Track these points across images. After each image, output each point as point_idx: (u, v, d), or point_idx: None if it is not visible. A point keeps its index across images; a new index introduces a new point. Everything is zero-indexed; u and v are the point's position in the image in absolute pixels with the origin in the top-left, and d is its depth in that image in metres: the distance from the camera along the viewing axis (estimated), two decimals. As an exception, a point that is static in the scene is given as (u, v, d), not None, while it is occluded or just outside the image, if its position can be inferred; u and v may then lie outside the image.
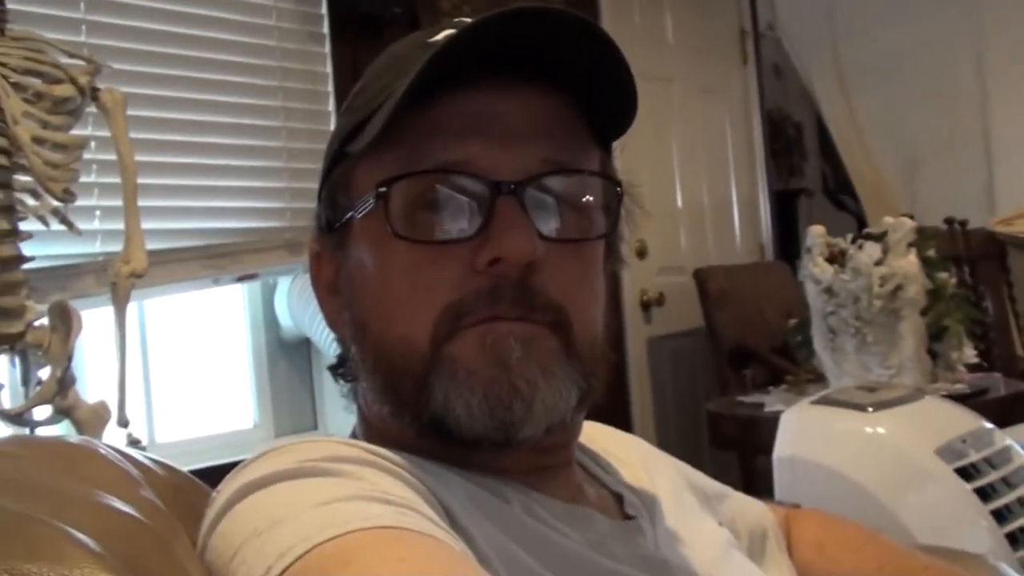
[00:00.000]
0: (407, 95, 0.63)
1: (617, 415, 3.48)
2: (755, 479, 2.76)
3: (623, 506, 0.76)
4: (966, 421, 1.40)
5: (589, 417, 0.82)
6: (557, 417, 0.67)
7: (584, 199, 0.70)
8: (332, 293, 0.74)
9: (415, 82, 0.63)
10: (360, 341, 0.70)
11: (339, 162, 0.72)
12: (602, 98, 0.69)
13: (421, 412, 0.66)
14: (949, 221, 3.56)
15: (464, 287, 0.65)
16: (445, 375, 0.65)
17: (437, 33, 0.71)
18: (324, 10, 2.71)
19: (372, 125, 0.67)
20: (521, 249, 0.64)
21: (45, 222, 1.82)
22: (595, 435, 0.85)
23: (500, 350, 0.64)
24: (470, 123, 0.66)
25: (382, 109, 0.67)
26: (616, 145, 0.76)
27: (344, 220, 0.71)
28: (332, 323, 0.75)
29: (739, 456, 2.99)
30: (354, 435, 0.76)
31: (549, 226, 0.67)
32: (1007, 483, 1.31)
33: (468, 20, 0.71)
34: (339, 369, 0.76)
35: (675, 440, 3.70)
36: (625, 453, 0.85)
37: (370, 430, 0.74)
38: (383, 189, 0.66)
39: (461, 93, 0.66)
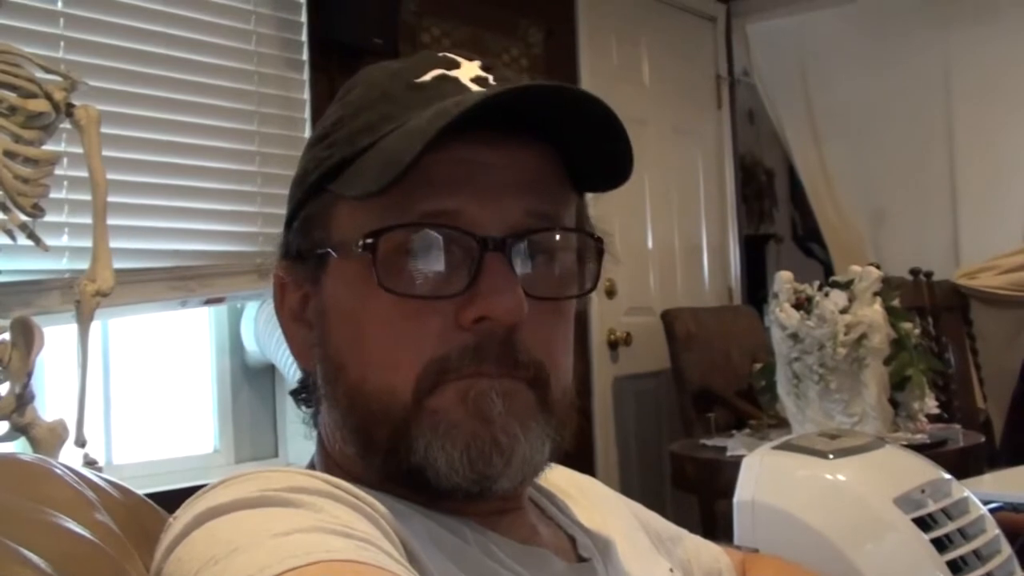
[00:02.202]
0: (417, 159, 0.62)
1: (580, 453, 3.46)
2: (716, 522, 2.76)
3: (576, 548, 0.76)
4: (925, 471, 1.41)
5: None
6: (532, 470, 0.68)
7: (565, 254, 0.71)
8: (297, 321, 0.74)
9: (429, 143, 0.62)
10: (333, 382, 0.70)
11: (316, 194, 0.71)
12: (588, 154, 0.70)
13: (399, 460, 0.66)
14: (914, 272, 3.60)
15: (448, 342, 0.65)
16: (427, 427, 0.65)
17: (422, 72, 0.71)
18: (304, 37, 2.72)
19: (363, 170, 0.66)
20: (510, 310, 0.65)
21: (12, 236, 1.80)
22: (550, 475, 0.85)
23: (482, 405, 0.65)
24: (457, 173, 0.66)
25: (373, 151, 0.67)
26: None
27: (320, 253, 0.71)
28: (298, 352, 0.74)
29: (700, 499, 2.99)
30: (312, 464, 0.76)
31: (532, 282, 0.68)
32: (963, 535, 1.32)
33: (452, 58, 0.72)
34: (301, 394, 0.76)
35: (637, 480, 3.70)
36: (579, 493, 0.85)
37: (330, 461, 0.73)
38: (370, 240, 0.65)
39: (448, 143, 0.65)
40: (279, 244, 0.75)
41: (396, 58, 0.79)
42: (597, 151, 0.69)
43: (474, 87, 0.69)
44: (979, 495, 1.42)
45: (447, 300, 0.66)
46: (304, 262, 0.72)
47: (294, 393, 0.76)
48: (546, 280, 0.69)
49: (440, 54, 0.73)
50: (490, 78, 0.71)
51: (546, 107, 0.66)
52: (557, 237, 0.70)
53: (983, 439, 2.82)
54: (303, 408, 0.76)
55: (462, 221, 0.66)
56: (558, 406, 0.69)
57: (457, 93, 0.68)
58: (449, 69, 0.71)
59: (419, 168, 0.64)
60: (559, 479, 0.86)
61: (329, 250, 0.70)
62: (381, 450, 0.67)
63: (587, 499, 0.84)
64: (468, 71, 0.71)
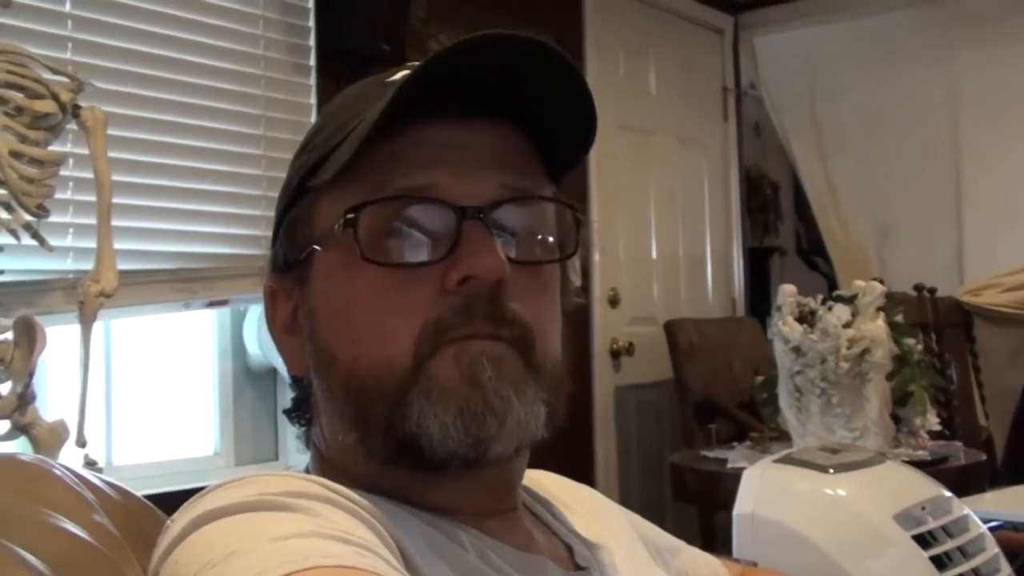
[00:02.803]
0: (378, 123, 0.64)
1: (581, 462, 3.47)
2: (715, 534, 2.76)
3: (573, 556, 0.76)
4: (926, 488, 1.40)
5: (552, 463, 0.82)
6: (528, 435, 0.68)
7: (543, 224, 0.72)
8: (289, 333, 0.74)
9: (385, 111, 0.64)
10: (325, 372, 0.70)
11: (300, 197, 0.73)
12: (559, 130, 0.71)
13: (394, 431, 0.66)
14: (918, 288, 3.60)
15: (439, 305, 0.67)
16: (421, 392, 0.66)
17: (394, 74, 0.73)
18: (312, 42, 2.73)
19: (337, 156, 0.68)
20: (492, 267, 0.66)
21: (17, 236, 1.80)
22: (546, 483, 0.85)
23: (474, 369, 0.66)
24: (432, 152, 0.68)
25: (346, 142, 0.68)
26: (592, 194, 0.78)
27: (306, 254, 0.72)
28: (291, 363, 0.75)
29: (700, 510, 2.99)
30: (307, 470, 0.76)
31: (511, 248, 0.70)
32: (963, 553, 1.31)
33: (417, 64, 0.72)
34: (294, 412, 0.76)
35: (637, 491, 3.69)
36: (576, 502, 0.85)
37: (326, 467, 0.73)
38: (352, 215, 0.67)
39: (421, 125, 0.68)
40: (268, 260, 0.76)
41: (403, 64, 0.80)
42: (561, 113, 0.70)
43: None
44: (979, 513, 1.41)
45: (431, 267, 0.67)
46: (291, 270, 0.73)
47: (288, 411, 0.77)
48: (526, 247, 0.71)
49: (410, 64, 0.74)
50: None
51: (499, 68, 0.68)
52: (532, 206, 0.71)
53: (984, 457, 2.81)
54: (297, 425, 0.77)
55: (439, 193, 0.68)
56: (547, 371, 0.70)
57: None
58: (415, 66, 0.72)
59: (390, 152, 0.67)
60: (556, 488, 0.86)
61: (314, 246, 0.71)
62: (379, 428, 0.67)
63: (584, 508, 0.84)
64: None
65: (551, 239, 0.72)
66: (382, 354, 0.67)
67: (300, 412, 0.76)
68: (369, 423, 0.68)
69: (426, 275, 0.67)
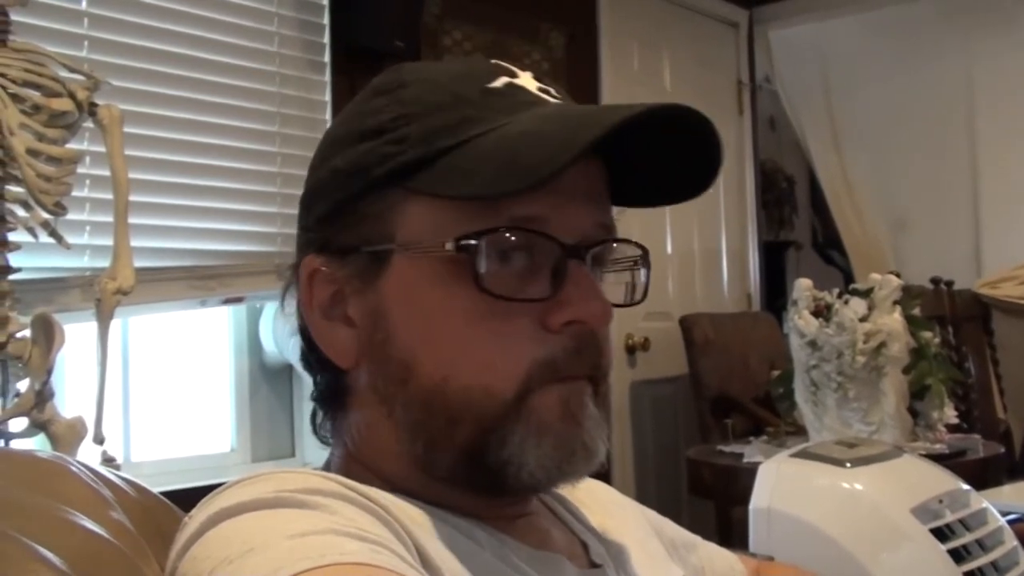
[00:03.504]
0: (538, 183, 0.63)
1: (596, 458, 3.46)
2: (732, 529, 2.76)
3: (589, 554, 0.76)
4: (944, 481, 1.40)
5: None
6: (598, 467, 0.71)
7: (625, 263, 0.74)
8: (329, 319, 0.72)
9: (571, 162, 0.62)
10: (398, 382, 0.69)
11: (377, 189, 0.69)
12: (653, 173, 0.73)
13: (481, 456, 0.67)
14: (935, 281, 3.58)
15: (546, 343, 0.67)
16: (522, 425, 0.66)
17: (488, 77, 0.71)
18: (327, 39, 2.73)
19: (461, 172, 0.66)
20: (602, 314, 0.68)
21: (34, 234, 1.81)
22: None
23: (576, 410, 0.68)
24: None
25: (461, 152, 0.66)
26: None
27: (379, 251, 0.69)
28: (336, 351, 0.71)
29: (716, 505, 2.98)
30: (328, 465, 0.75)
31: (606, 289, 0.72)
32: (981, 546, 1.31)
33: (506, 66, 0.73)
34: (325, 401, 0.74)
35: (654, 486, 3.69)
36: (591, 499, 0.85)
37: (351, 464, 0.72)
38: (472, 242, 0.65)
39: None
40: (307, 238, 0.73)
41: (418, 61, 0.79)
42: (668, 171, 0.73)
43: (545, 97, 0.71)
44: (998, 506, 1.41)
45: (533, 303, 0.67)
46: (345, 257, 0.70)
47: (319, 397, 0.75)
48: (612, 288, 0.72)
49: (492, 61, 0.74)
50: (552, 90, 0.73)
51: (659, 127, 0.68)
52: (622, 247, 0.73)
53: (1003, 450, 2.80)
54: (324, 416, 0.75)
55: (549, 227, 0.67)
56: (606, 403, 0.72)
57: (533, 101, 0.69)
58: (512, 77, 0.72)
59: None
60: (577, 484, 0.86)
61: (393, 247, 0.68)
62: (462, 449, 0.67)
63: (600, 505, 0.84)
64: (527, 81, 0.72)
65: (627, 277, 0.75)
66: (480, 381, 0.66)
67: (331, 402, 0.74)
68: (445, 442, 0.67)
69: (525, 309, 0.67)
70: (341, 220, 0.71)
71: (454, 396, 0.67)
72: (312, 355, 0.74)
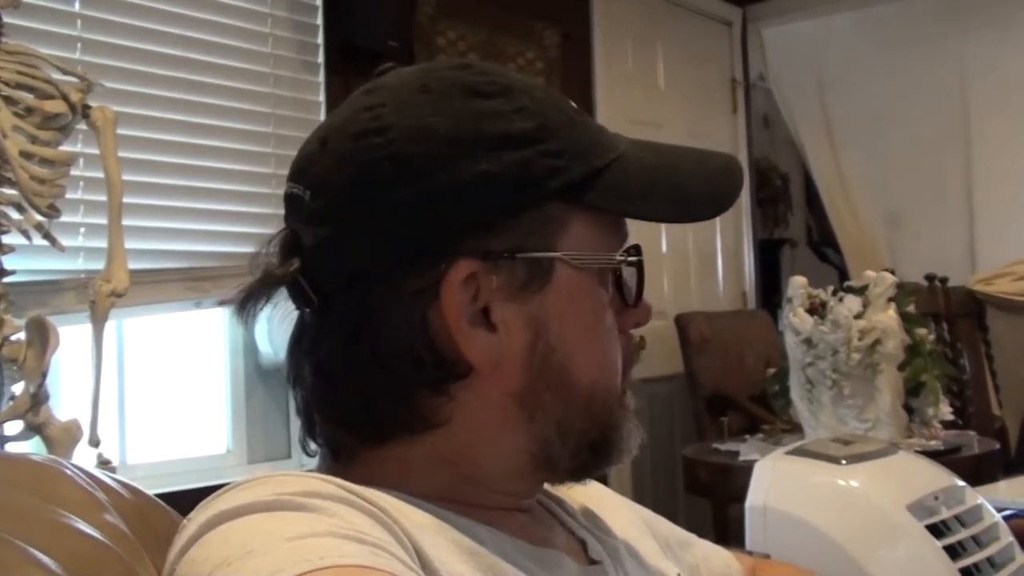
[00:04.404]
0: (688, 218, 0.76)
1: (593, 456, 3.46)
2: (728, 527, 2.76)
3: (587, 551, 0.76)
4: (939, 478, 1.40)
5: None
6: None
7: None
8: (478, 327, 0.68)
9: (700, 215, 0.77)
10: (556, 387, 0.71)
11: (540, 199, 0.69)
12: None
13: (602, 448, 0.74)
14: (930, 278, 3.59)
15: (627, 345, 0.77)
16: (629, 417, 0.76)
17: (566, 100, 0.77)
18: (320, 40, 2.73)
19: (636, 190, 0.73)
20: (650, 315, 0.78)
21: (28, 236, 1.81)
22: None
23: (634, 406, 0.77)
24: None
25: (611, 173, 0.73)
26: None
27: (541, 260, 0.69)
28: (480, 358, 0.68)
29: (713, 503, 2.98)
30: (322, 468, 0.75)
31: None
32: (976, 542, 1.31)
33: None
34: (410, 413, 0.70)
35: (650, 485, 3.69)
36: (586, 498, 0.85)
37: (385, 469, 0.70)
38: (635, 258, 0.75)
39: None
40: (451, 244, 0.69)
41: (411, 62, 0.80)
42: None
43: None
44: (993, 502, 1.41)
45: (627, 308, 0.76)
46: (496, 264, 0.68)
47: (406, 402, 0.69)
48: None
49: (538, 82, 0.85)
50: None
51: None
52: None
53: (998, 446, 2.80)
54: (403, 415, 0.70)
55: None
56: None
57: (603, 128, 0.77)
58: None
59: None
60: None
61: (560, 256, 0.70)
62: (588, 442, 0.73)
63: (595, 504, 0.85)
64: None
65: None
66: (614, 382, 0.75)
67: (423, 414, 0.70)
68: (584, 437, 0.73)
69: (622, 311, 0.76)
70: (499, 227, 0.69)
71: (599, 396, 0.73)
72: (412, 367, 0.68)
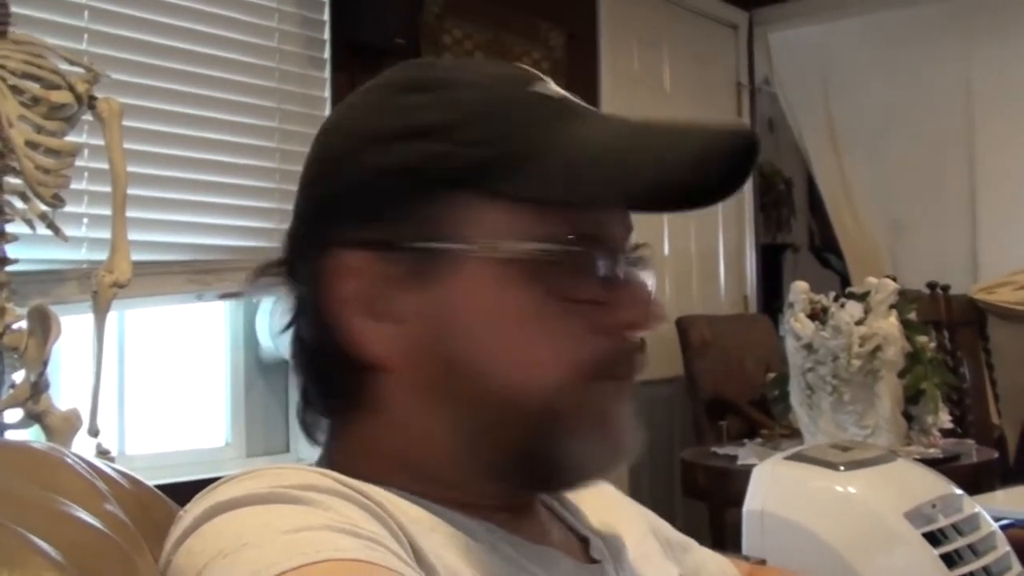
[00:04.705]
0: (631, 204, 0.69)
1: (591, 457, 3.46)
2: (725, 531, 2.76)
3: (588, 550, 0.76)
4: (937, 486, 1.40)
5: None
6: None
7: (650, 267, 0.75)
8: (372, 317, 0.69)
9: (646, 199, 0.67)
10: (462, 380, 0.68)
11: (437, 188, 0.68)
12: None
13: (535, 452, 0.68)
14: (931, 285, 3.59)
15: (597, 344, 0.68)
16: (574, 422, 0.67)
17: (529, 81, 0.72)
18: (327, 36, 2.73)
19: (558, 176, 0.66)
20: (652, 319, 0.70)
21: (32, 226, 1.81)
22: None
23: (623, 413, 0.70)
24: None
25: (542, 159, 0.66)
26: None
27: (438, 250, 0.68)
28: (374, 349, 0.69)
29: (710, 507, 2.98)
30: (322, 461, 0.75)
31: None
32: (973, 551, 1.31)
33: (531, 70, 0.73)
34: (341, 400, 0.72)
35: (647, 487, 3.69)
36: (592, 496, 0.84)
37: (359, 459, 0.71)
38: (553, 246, 0.66)
39: None
40: (327, 234, 0.70)
41: (418, 58, 0.79)
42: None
43: (583, 104, 0.72)
44: (991, 512, 1.41)
45: (591, 306, 0.68)
46: (392, 255, 0.68)
47: (332, 396, 0.73)
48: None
49: (516, 65, 0.75)
50: (570, 96, 0.73)
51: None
52: (647, 248, 0.74)
53: (996, 455, 2.80)
54: (333, 414, 0.73)
55: (606, 234, 0.69)
56: None
57: (581, 107, 0.71)
58: (545, 81, 0.73)
59: None
60: None
61: (465, 247, 0.67)
62: (512, 444, 0.67)
63: (601, 502, 0.84)
64: (554, 87, 0.73)
65: (651, 281, 0.75)
66: (541, 381, 0.67)
67: (346, 403, 0.72)
68: (507, 439, 0.67)
69: (582, 309, 0.67)
70: (390, 218, 0.69)
71: (512, 393, 0.67)
72: (325, 355, 0.71)
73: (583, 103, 0.73)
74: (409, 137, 0.69)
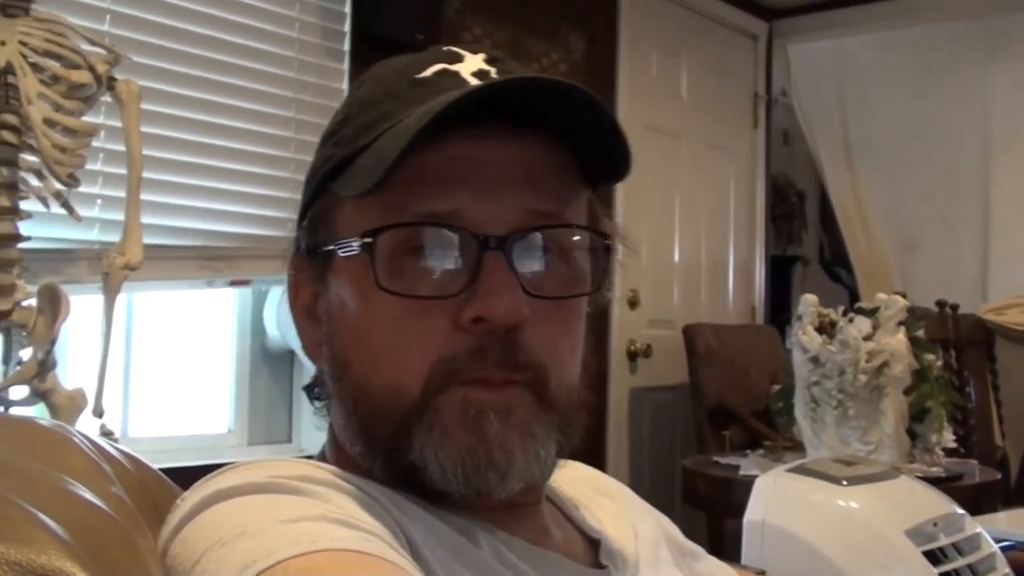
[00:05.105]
0: (405, 150, 0.61)
1: (593, 462, 3.44)
2: (724, 541, 2.75)
3: (598, 553, 0.76)
4: (939, 505, 1.40)
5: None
6: (534, 477, 0.67)
7: (570, 252, 0.69)
8: (310, 318, 0.73)
9: (411, 142, 0.61)
10: (339, 380, 0.69)
11: (321, 194, 0.71)
12: (593, 146, 0.69)
13: (399, 459, 0.66)
14: (941, 304, 3.58)
15: (453, 342, 0.65)
16: (425, 428, 0.65)
17: (425, 67, 0.70)
18: (347, 28, 2.73)
19: (358, 171, 0.66)
20: (507, 311, 0.64)
21: (46, 204, 1.82)
22: (577, 477, 0.84)
23: (480, 422, 0.64)
24: (456, 171, 0.65)
25: (369, 151, 0.66)
26: (617, 194, 0.77)
27: (325, 252, 0.70)
28: (309, 349, 0.73)
29: (709, 516, 2.98)
30: (323, 455, 0.75)
31: (535, 281, 0.67)
32: (973, 571, 1.31)
33: (456, 52, 0.72)
34: (314, 389, 0.75)
35: (648, 493, 3.63)
36: (609, 498, 0.84)
37: (341, 453, 0.73)
38: (369, 240, 0.65)
39: (446, 139, 0.64)
40: (293, 240, 0.75)
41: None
42: (598, 144, 0.68)
43: (474, 81, 0.68)
44: (992, 532, 1.41)
45: (447, 300, 0.65)
46: (312, 259, 0.71)
47: (308, 388, 0.75)
48: (550, 279, 0.68)
49: (446, 48, 0.72)
50: (492, 71, 0.70)
51: (536, 101, 0.66)
52: (558, 233, 0.68)
53: (999, 476, 2.80)
54: (315, 404, 0.75)
55: (461, 220, 0.65)
56: (561, 403, 0.68)
57: (455, 88, 0.67)
58: (451, 63, 0.70)
59: (415, 167, 0.64)
60: (588, 482, 0.85)
61: (333, 248, 0.69)
62: (382, 449, 0.67)
63: (618, 505, 0.84)
64: (470, 64, 0.70)
65: (578, 266, 0.70)
66: (393, 381, 0.65)
67: (320, 390, 0.74)
68: (374, 442, 0.67)
69: (441, 305, 0.65)
70: (307, 224, 0.72)
71: (374, 396, 0.66)
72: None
73: (486, 77, 0.69)
74: (322, 143, 0.74)
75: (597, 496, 0.83)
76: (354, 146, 0.68)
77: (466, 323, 0.64)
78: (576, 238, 0.69)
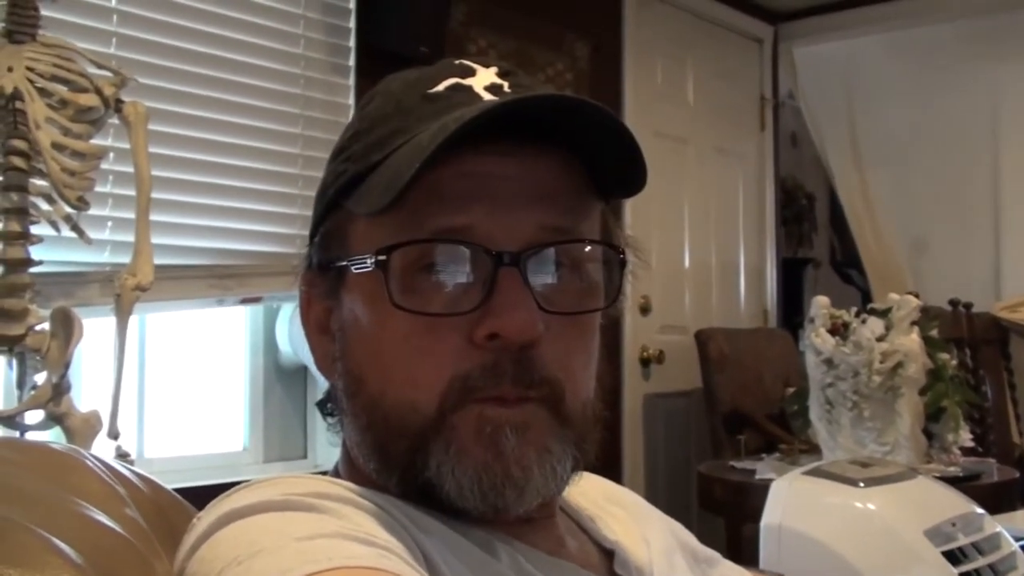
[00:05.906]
0: (418, 171, 0.61)
1: (608, 470, 3.44)
2: (742, 545, 2.74)
3: (613, 563, 0.75)
4: (957, 504, 1.39)
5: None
6: (551, 493, 0.68)
7: (585, 266, 0.69)
8: (323, 333, 0.73)
9: (427, 160, 0.61)
10: (353, 395, 0.69)
11: (333, 210, 0.71)
12: (607, 161, 0.68)
13: (415, 475, 0.66)
14: (954, 303, 3.56)
15: (467, 359, 0.65)
16: (442, 445, 0.65)
17: (437, 81, 0.70)
18: (352, 43, 2.74)
19: (372, 187, 0.66)
20: (523, 328, 0.64)
21: (57, 228, 1.83)
22: (590, 488, 0.84)
23: (496, 439, 0.64)
24: (470, 187, 0.65)
25: (382, 167, 0.66)
26: (628, 201, 0.77)
27: (338, 268, 0.70)
28: (321, 364, 0.74)
29: (727, 521, 2.97)
30: (336, 471, 0.75)
31: (549, 296, 0.66)
32: (993, 570, 1.30)
33: (468, 65, 0.71)
34: (327, 404, 0.75)
35: (664, 500, 3.68)
36: (621, 508, 0.84)
37: (354, 469, 0.73)
38: (383, 257, 0.65)
39: (461, 155, 0.64)
40: (304, 255, 0.75)
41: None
42: (613, 158, 0.68)
43: (487, 95, 0.68)
44: (1011, 531, 1.40)
45: (461, 316, 0.65)
46: (325, 275, 0.71)
47: (320, 404, 0.76)
48: (564, 294, 0.67)
49: (457, 61, 0.72)
50: (505, 85, 0.70)
51: (552, 117, 0.66)
52: (572, 248, 0.68)
53: (1017, 475, 2.78)
54: (328, 419, 0.75)
55: (474, 236, 0.65)
56: (576, 419, 0.68)
57: (469, 102, 0.67)
58: (464, 77, 0.70)
59: (429, 183, 0.63)
60: (600, 492, 0.85)
61: (346, 264, 0.69)
62: (398, 465, 0.67)
63: (630, 514, 0.83)
64: (483, 79, 0.70)
65: (592, 280, 0.69)
66: (408, 397, 0.65)
67: (333, 405, 0.74)
68: (389, 459, 0.67)
69: (456, 322, 0.65)
70: (317, 239, 0.73)
71: (389, 412, 0.66)
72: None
73: (499, 92, 0.69)
74: (332, 159, 0.73)
75: (610, 506, 0.83)
76: (367, 162, 0.68)
77: (480, 340, 0.64)
78: (589, 251, 0.70)
